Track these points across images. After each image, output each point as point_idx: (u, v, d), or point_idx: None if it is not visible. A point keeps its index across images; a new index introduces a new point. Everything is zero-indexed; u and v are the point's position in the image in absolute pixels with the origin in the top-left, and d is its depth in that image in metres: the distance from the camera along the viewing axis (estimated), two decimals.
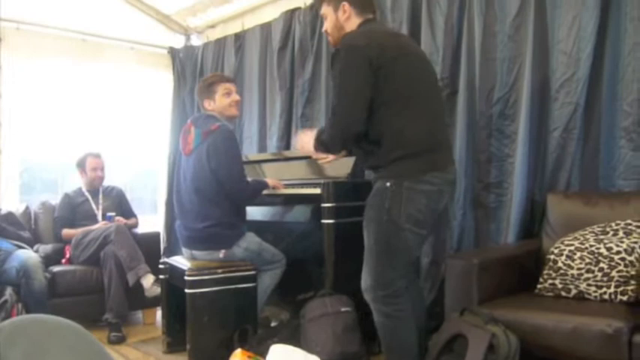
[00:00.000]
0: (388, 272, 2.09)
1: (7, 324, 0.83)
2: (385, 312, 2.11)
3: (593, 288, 2.10)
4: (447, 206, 2.73)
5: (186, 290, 2.68)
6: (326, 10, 2.31)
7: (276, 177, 3.19)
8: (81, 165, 3.94)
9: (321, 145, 2.23)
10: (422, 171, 2.06)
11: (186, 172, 2.94)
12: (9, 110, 4.11)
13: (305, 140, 2.34)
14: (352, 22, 2.25)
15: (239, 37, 4.45)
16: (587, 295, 2.12)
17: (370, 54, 2.03)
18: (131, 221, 3.91)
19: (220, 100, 2.98)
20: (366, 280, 2.14)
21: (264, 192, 3.03)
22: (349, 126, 2.07)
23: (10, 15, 4.07)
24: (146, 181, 5.35)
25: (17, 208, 3.86)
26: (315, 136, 2.25)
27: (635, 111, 2.38)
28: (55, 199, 3.97)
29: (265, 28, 4.18)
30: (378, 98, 2.05)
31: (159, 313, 3.55)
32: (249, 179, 2.95)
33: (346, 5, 2.24)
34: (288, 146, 3.95)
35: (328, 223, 2.73)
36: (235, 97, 3.02)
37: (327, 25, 2.32)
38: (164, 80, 5.00)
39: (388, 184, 2.06)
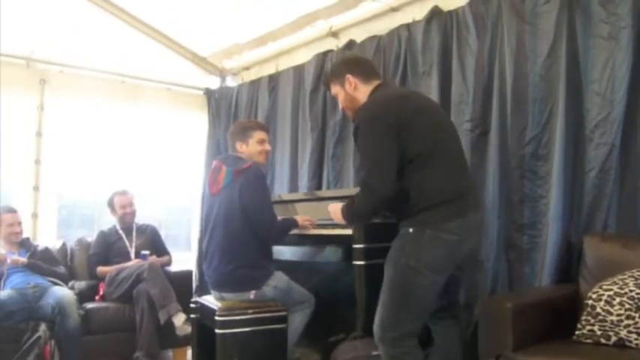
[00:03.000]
0: (399, 314, 2.12)
1: None
2: (392, 355, 2.13)
3: (634, 335, 2.02)
4: (477, 251, 2.70)
5: (217, 330, 2.67)
6: (335, 89, 2.42)
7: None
8: (110, 204, 4.05)
9: (352, 214, 2.27)
10: (443, 220, 2.09)
11: (212, 212, 2.95)
12: (49, 148, 4.27)
13: (334, 209, 2.41)
14: (361, 91, 2.34)
15: (273, 79, 4.54)
16: (627, 343, 2.03)
17: (388, 119, 2.12)
18: (164, 259, 3.96)
19: (253, 146, 3.02)
20: (377, 321, 2.16)
21: (294, 231, 3.02)
22: (381, 193, 2.09)
23: (54, 58, 4.29)
24: (181, 218, 5.42)
25: (54, 245, 3.95)
26: (346, 203, 2.29)
27: None
28: (92, 236, 4.07)
29: (298, 70, 4.26)
30: (402, 159, 2.11)
31: (189, 352, 3.54)
32: (278, 218, 2.97)
33: (350, 77, 2.34)
34: (319, 186, 3.96)
35: (359, 265, 2.70)
36: (267, 146, 3.09)
37: (341, 102, 2.43)
38: (199, 120, 5.11)
39: (411, 230, 2.12)
